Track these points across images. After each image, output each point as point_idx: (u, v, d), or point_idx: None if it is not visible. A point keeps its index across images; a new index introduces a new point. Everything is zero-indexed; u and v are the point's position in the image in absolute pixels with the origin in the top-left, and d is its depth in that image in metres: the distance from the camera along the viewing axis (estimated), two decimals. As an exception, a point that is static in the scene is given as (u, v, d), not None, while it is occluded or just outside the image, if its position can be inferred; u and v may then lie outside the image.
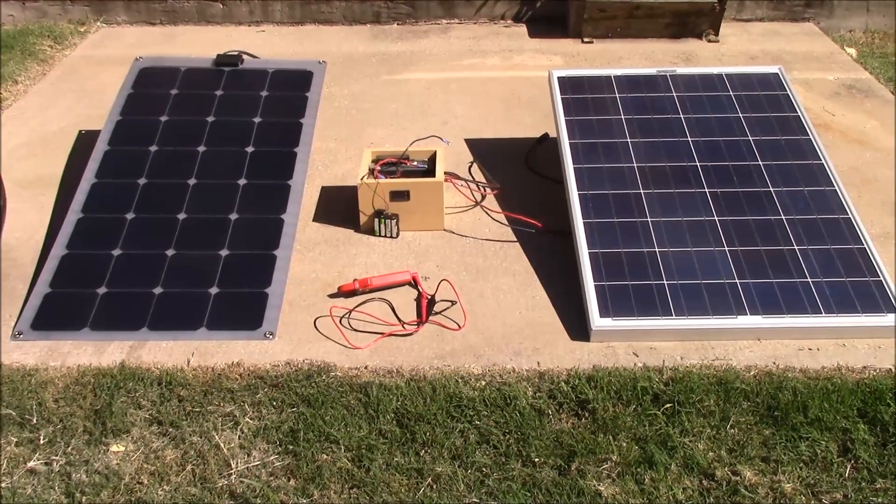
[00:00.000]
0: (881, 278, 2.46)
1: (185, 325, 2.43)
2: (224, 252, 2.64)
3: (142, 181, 2.86)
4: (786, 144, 2.91)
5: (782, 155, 2.87)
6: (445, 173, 2.91)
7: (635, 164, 2.85)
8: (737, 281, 2.46)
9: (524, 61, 4.30)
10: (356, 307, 2.52)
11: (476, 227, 2.93)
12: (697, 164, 2.84)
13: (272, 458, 2.02)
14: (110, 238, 2.67)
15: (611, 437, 2.06)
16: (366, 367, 2.29)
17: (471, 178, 3.20)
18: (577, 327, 2.44)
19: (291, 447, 2.04)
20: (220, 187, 2.85)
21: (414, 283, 2.63)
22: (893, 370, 2.28)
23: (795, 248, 2.55)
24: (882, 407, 2.13)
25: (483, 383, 2.23)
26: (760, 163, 2.84)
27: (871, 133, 3.56)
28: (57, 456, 2.03)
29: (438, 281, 2.63)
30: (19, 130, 3.59)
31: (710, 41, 4.50)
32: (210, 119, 3.08)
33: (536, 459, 2.00)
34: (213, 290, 2.52)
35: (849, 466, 1.99)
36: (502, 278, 2.67)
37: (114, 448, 2.05)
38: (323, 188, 3.17)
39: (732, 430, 2.08)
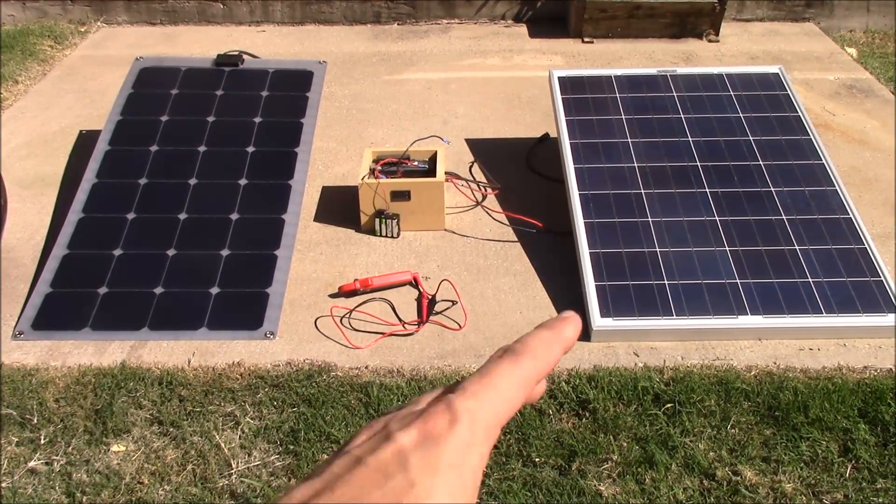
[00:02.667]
0: (882, 278, 2.46)
1: (186, 325, 2.43)
2: (225, 252, 2.64)
3: (142, 181, 2.86)
4: (786, 144, 2.91)
5: (783, 155, 2.87)
6: (446, 173, 2.91)
7: (636, 164, 2.85)
8: (737, 281, 2.46)
9: (524, 61, 4.30)
10: (357, 307, 2.52)
11: (477, 227, 2.93)
12: (698, 163, 2.84)
13: (273, 457, 2.02)
14: (111, 238, 2.67)
15: (611, 437, 2.06)
16: (366, 367, 2.29)
17: (471, 178, 3.20)
18: (578, 327, 2.44)
19: (292, 447, 2.04)
20: (221, 187, 2.85)
21: (415, 283, 2.63)
22: (894, 370, 2.28)
23: (796, 247, 2.56)
24: (883, 407, 2.13)
25: (484, 383, 2.23)
26: (761, 163, 2.84)
27: (871, 133, 3.56)
28: (57, 456, 2.03)
29: (439, 281, 2.63)
30: (19, 130, 3.59)
31: (710, 41, 4.50)
32: (210, 119, 3.08)
33: (537, 459, 2.00)
34: (214, 290, 2.52)
35: (849, 466, 1.99)
36: (503, 278, 2.67)
37: (114, 448, 2.05)
38: (323, 188, 3.17)
39: (733, 430, 2.08)
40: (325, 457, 1.99)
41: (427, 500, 0.33)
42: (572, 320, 0.41)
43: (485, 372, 0.38)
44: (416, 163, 2.92)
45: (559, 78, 3.19)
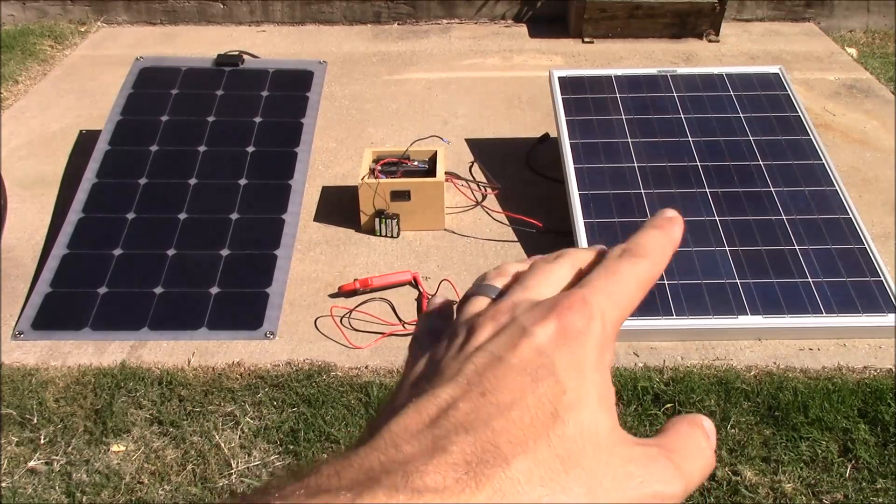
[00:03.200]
0: (882, 278, 2.46)
1: (186, 325, 2.43)
2: (225, 252, 2.64)
3: (142, 181, 2.86)
4: (786, 144, 2.91)
5: (783, 155, 2.87)
6: (446, 173, 2.91)
7: (636, 164, 2.85)
8: (737, 281, 2.46)
9: (525, 61, 4.30)
10: (357, 307, 2.52)
11: (476, 227, 2.93)
12: (698, 164, 2.84)
13: (273, 457, 2.02)
14: (111, 238, 2.67)
15: (611, 437, 2.06)
16: (366, 367, 2.29)
17: (471, 178, 3.20)
18: (578, 327, 2.44)
19: (292, 447, 2.04)
20: (221, 187, 2.85)
21: (415, 283, 2.63)
22: (894, 370, 2.28)
23: (796, 247, 2.55)
24: (882, 407, 2.13)
25: (484, 383, 2.23)
26: (761, 163, 2.84)
27: (871, 133, 3.56)
28: (57, 456, 2.03)
29: (439, 281, 2.63)
30: (19, 130, 3.59)
31: (710, 41, 4.50)
32: (211, 119, 3.08)
33: (537, 459, 2.00)
34: (214, 290, 2.52)
35: (849, 466, 1.99)
36: (503, 278, 2.66)
37: (114, 448, 2.05)
38: (323, 188, 3.17)
39: (733, 430, 2.08)
40: (326, 456, 1.98)
41: (581, 406, 0.31)
42: (678, 220, 0.40)
43: (609, 269, 0.37)
44: (416, 163, 2.92)
45: (559, 78, 3.19)
